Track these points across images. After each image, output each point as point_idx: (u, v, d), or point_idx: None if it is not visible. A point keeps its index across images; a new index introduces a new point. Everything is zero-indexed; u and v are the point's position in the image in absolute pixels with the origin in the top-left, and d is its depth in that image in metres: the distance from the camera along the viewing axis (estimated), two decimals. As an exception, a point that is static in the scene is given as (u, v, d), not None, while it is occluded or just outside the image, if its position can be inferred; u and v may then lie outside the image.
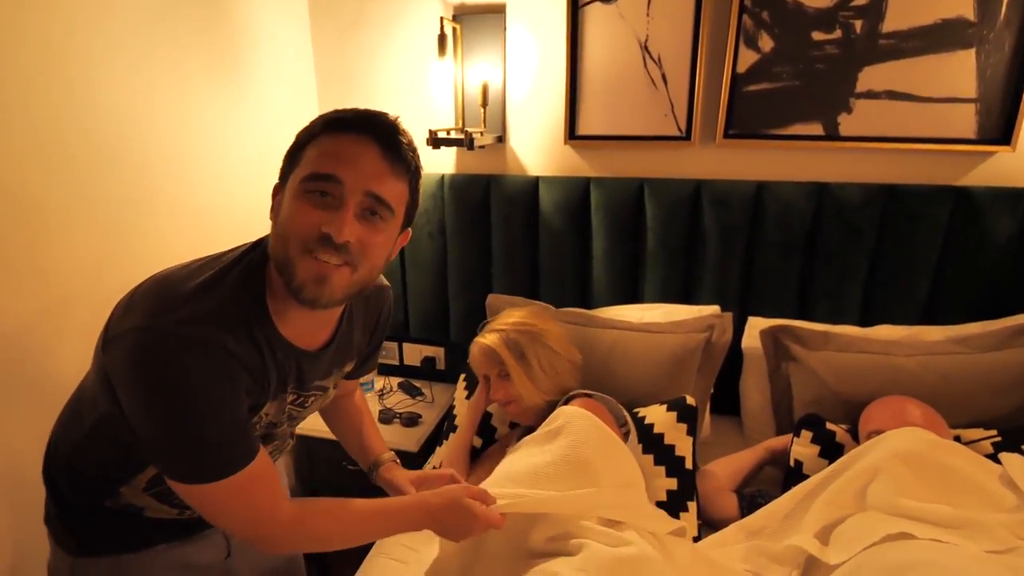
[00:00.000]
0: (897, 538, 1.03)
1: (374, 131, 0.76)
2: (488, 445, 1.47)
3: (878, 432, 1.25)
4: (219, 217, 1.59)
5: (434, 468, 1.49)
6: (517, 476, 1.00)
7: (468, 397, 1.55)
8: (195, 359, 0.70)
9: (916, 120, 1.53)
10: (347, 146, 0.75)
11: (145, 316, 0.71)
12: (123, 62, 1.30)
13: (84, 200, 1.25)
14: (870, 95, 1.54)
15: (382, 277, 1.03)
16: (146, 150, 1.38)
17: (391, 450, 1.14)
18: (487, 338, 1.35)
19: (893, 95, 1.52)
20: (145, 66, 1.35)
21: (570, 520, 0.89)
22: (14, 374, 1.15)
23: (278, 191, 0.80)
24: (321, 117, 0.79)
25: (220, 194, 1.60)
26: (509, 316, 1.40)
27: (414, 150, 0.81)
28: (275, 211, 0.79)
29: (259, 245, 0.83)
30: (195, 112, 1.50)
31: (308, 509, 0.82)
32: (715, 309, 1.65)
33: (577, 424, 1.08)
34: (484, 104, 1.66)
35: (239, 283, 0.78)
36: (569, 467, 0.97)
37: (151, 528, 0.89)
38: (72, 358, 1.21)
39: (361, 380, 1.17)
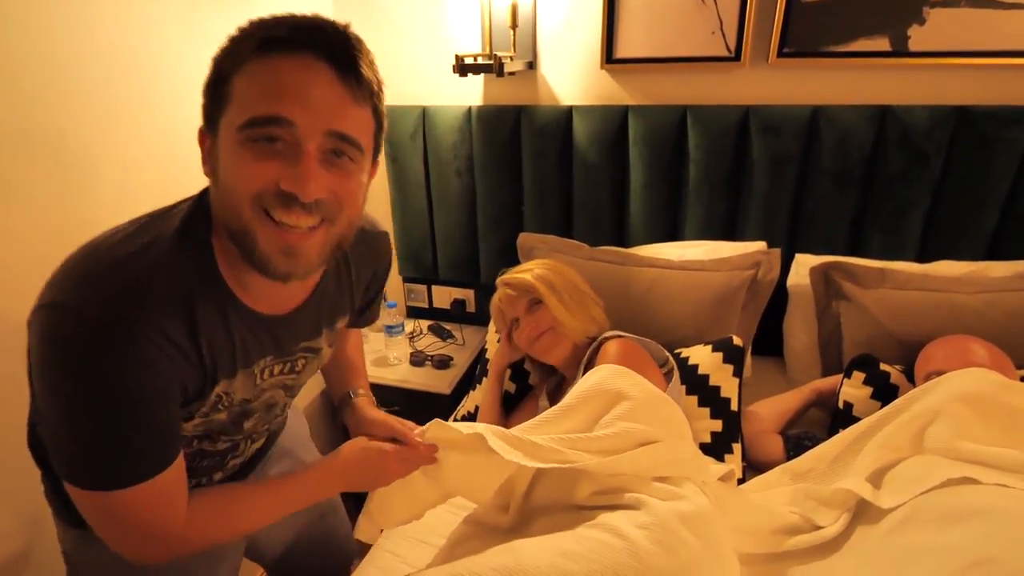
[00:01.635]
0: (959, 483, 0.98)
1: (322, 48, 0.58)
2: (522, 391, 1.44)
3: (939, 373, 1.18)
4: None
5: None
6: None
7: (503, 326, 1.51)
8: (114, 345, 0.57)
9: (1000, 31, 1.36)
10: (291, 73, 0.57)
11: (61, 291, 0.59)
12: (136, 12, 1.22)
13: (92, 135, 1.19)
14: (948, 2, 1.37)
15: (378, 223, 0.92)
16: (151, 83, 1.30)
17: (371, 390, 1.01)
18: (513, 276, 1.30)
19: (975, 1, 1.35)
20: (156, 12, 1.27)
21: (617, 476, 0.86)
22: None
23: (205, 137, 0.63)
24: (246, 34, 0.59)
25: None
26: (533, 262, 1.35)
27: (373, 63, 0.64)
28: (208, 164, 0.64)
29: (203, 198, 0.68)
30: (203, 37, 1.40)
31: (195, 515, 0.69)
32: (761, 245, 1.56)
33: (625, 388, 1.00)
34: (514, 26, 1.53)
35: (178, 247, 0.63)
36: (622, 441, 0.91)
37: None
38: None
39: (386, 324, 1.10)
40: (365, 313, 1.00)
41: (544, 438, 0.85)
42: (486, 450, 0.80)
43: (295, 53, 0.58)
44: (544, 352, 1.26)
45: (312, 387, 1.90)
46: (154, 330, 0.60)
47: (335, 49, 0.59)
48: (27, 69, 1.06)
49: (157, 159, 1.33)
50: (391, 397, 1.76)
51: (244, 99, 0.58)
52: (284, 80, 0.57)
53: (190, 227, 0.65)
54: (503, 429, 0.86)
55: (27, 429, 0.80)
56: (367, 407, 0.94)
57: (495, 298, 1.35)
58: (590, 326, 1.26)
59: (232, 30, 0.61)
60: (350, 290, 0.88)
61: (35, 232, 1.09)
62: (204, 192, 0.69)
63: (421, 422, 0.89)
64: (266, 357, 0.75)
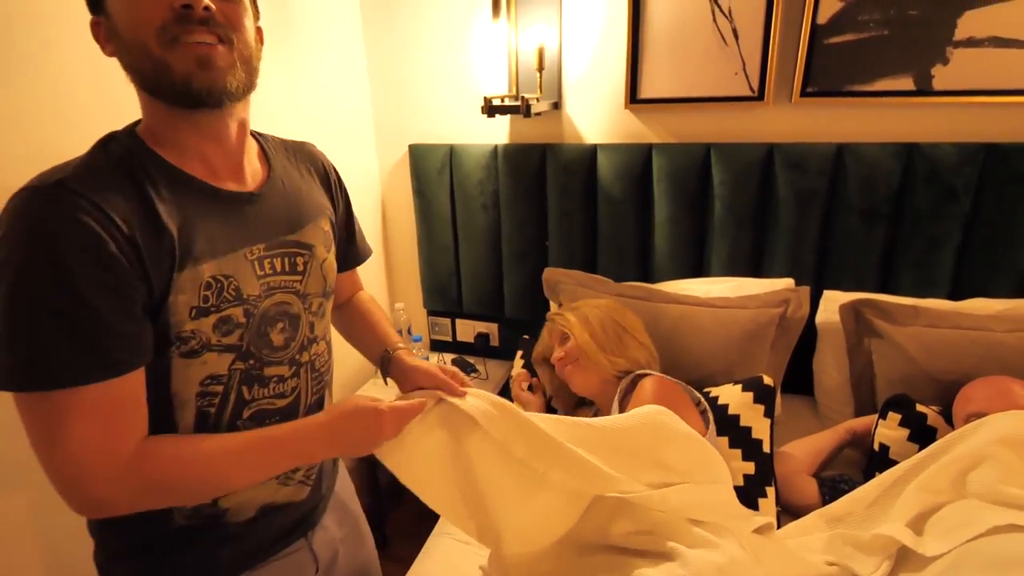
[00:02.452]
0: (1005, 530, 0.94)
1: None
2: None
3: (979, 415, 1.15)
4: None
5: None
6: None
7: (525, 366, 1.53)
8: (59, 214, 0.58)
9: (1023, 69, 1.37)
10: None
11: (9, 199, 0.61)
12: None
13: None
14: (971, 43, 1.38)
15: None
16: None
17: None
18: (558, 312, 1.36)
19: (998, 42, 1.36)
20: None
21: (653, 514, 0.84)
22: None
23: (98, 25, 0.68)
24: None
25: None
26: (589, 300, 1.42)
27: None
28: (110, 43, 0.67)
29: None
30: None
31: (151, 447, 0.65)
32: (789, 282, 1.55)
33: (661, 422, 1.01)
34: (540, 68, 1.57)
35: (113, 142, 0.68)
36: (657, 471, 0.91)
37: (215, 543, 0.77)
38: None
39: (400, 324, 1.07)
40: (352, 230, 0.99)
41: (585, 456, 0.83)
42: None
43: None
44: (568, 378, 1.30)
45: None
46: (96, 208, 0.60)
47: None
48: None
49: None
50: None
51: None
52: None
53: (113, 135, 0.70)
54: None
55: None
56: (407, 357, 0.93)
57: (545, 331, 1.43)
58: (622, 363, 1.27)
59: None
60: (313, 180, 0.89)
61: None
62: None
63: None
64: (253, 245, 0.75)
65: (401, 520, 1.98)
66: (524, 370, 1.55)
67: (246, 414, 0.75)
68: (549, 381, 1.43)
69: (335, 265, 0.89)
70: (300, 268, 0.81)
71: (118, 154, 0.67)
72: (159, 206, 0.66)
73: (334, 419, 0.75)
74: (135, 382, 0.64)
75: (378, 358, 0.97)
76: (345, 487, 1.03)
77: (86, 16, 0.69)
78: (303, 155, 0.91)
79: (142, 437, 0.65)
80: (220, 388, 0.72)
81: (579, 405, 1.41)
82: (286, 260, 0.79)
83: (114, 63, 0.68)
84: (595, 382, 1.26)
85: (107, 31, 0.67)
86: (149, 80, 0.66)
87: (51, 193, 0.60)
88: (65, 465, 0.61)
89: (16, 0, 1.00)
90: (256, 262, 0.75)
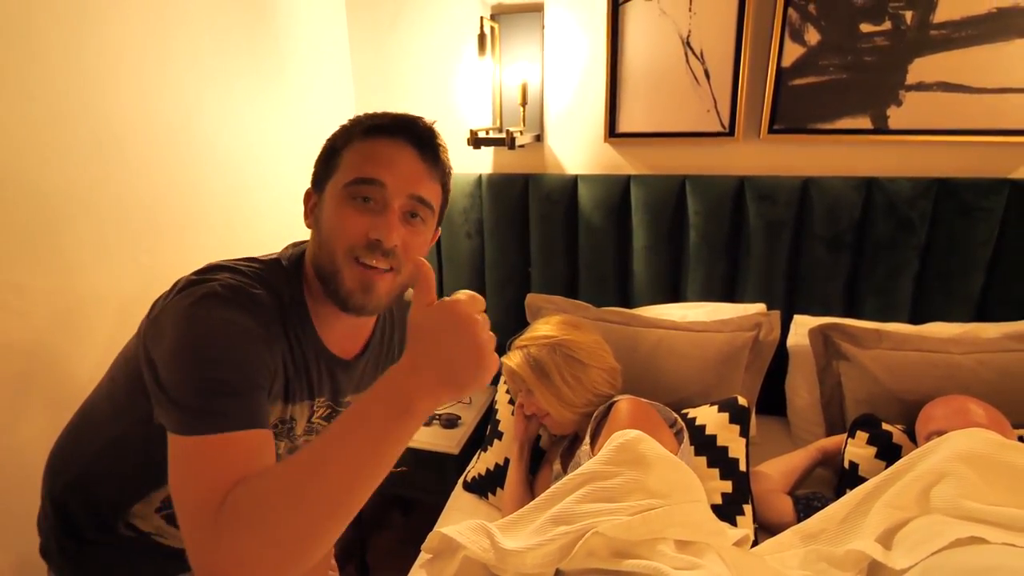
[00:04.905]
0: (968, 543, 1.00)
1: (412, 135, 0.77)
2: (535, 452, 1.45)
3: (939, 433, 1.22)
4: (261, 219, 1.60)
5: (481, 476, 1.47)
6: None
7: (511, 401, 1.54)
8: (239, 307, 0.68)
9: (969, 111, 1.49)
10: (387, 150, 0.76)
11: (191, 277, 0.71)
12: (174, 68, 1.32)
13: (129, 201, 1.26)
14: (921, 87, 1.50)
15: (410, 291, 1.00)
16: (189, 153, 1.39)
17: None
18: (510, 358, 1.33)
19: (946, 86, 1.48)
20: (193, 71, 1.37)
21: (636, 536, 0.88)
22: (32, 378, 1.11)
23: (311, 196, 0.81)
24: (357, 122, 0.79)
25: (260, 197, 1.61)
26: (536, 329, 1.36)
27: (446, 151, 0.83)
28: (311, 217, 0.80)
29: (299, 247, 0.83)
30: (238, 116, 1.51)
31: (245, 485, 0.56)
32: (761, 307, 1.63)
33: (640, 451, 1.05)
34: (523, 103, 1.65)
35: (283, 277, 0.78)
36: (638, 495, 0.95)
37: (167, 557, 0.83)
38: (90, 363, 1.15)
39: None
40: None
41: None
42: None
43: (392, 137, 0.77)
44: (550, 428, 1.34)
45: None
46: (268, 318, 0.71)
47: (421, 136, 0.78)
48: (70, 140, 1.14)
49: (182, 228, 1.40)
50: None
51: (350, 166, 0.76)
52: (381, 154, 0.76)
53: (290, 263, 0.81)
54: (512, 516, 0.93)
55: (45, 478, 0.86)
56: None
57: (503, 370, 1.37)
58: (588, 405, 1.27)
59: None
60: (390, 350, 0.96)
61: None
62: (298, 243, 0.85)
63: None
64: (324, 397, 0.84)
65: (382, 546, 1.96)
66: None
67: None
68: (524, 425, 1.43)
69: None
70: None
71: (282, 297, 0.77)
72: (294, 352, 0.77)
73: (418, 340, 0.59)
74: (267, 436, 0.66)
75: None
76: None
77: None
78: (401, 317, 0.97)
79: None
80: None
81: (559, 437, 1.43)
82: (331, 412, 0.89)
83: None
84: (571, 420, 1.29)
85: (314, 209, 0.79)
86: (323, 277, 0.76)
87: (231, 296, 0.69)
88: (198, 501, 0.57)
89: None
90: (316, 410, 0.86)
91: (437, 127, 0.80)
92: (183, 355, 0.65)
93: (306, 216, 0.81)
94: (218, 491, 0.55)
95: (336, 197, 0.75)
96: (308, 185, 0.82)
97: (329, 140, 0.80)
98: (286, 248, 0.84)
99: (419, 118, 0.80)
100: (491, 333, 0.62)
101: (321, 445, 0.56)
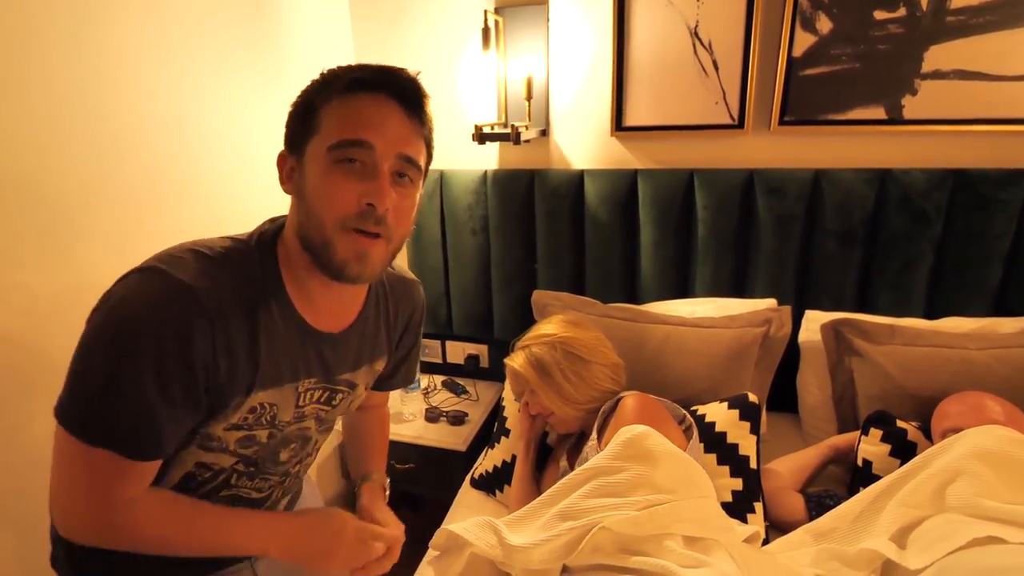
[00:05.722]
0: (985, 542, 0.98)
1: (397, 90, 0.71)
2: (542, 449, 1.45)
3: (955, 430, 1.19)
4: (263, 217, 1.59)
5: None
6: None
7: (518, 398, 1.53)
8: (169, 311, 0.64)
9: (987, 100, 1.45)
10: (371, 107, 0.70)
11: (145, 262, 0.68)
12: (174, 66, 1.32)
13: (131, 199, 1.26)
14: (937, 75, 1.46)
15: (409, 273, 0.98)
16: (190, 150, 1.38)
17: (388, 479, 1.04)
18: (513, 359, 1.33)
19: (962, 74, 1.44)
20: (193, 67, 1.36)
21: (644, 532, 0.87)
22: (38, 377, 1.10)
23: (286, 159, 0.75)
24: (334, 76, 0.72)
25: (262, 195, 1.60)
26: (538, 329, 1.35)
27: (429, 101, 0.76)
28: (290, 183, 0.74)
29: (276, 221, 0.79)
30: (238, 113, 1.50)
31: (139, 510, 0.70)
32: (771, 302, 1.60)
33: (647, 447, 1.04)
34: (529, 97, 1.63)
35: (255, 255, 0.73)
36: (645, 490, 0.94)
37: (165, 564, 0.80)
38: None
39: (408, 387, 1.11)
40: (402, 367, 1.03)
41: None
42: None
43: (375, 92, 0.71)
44: (552, 426, 1.33)
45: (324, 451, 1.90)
46: (215, 326, 0.66)
47: (407, 91, 0.72)
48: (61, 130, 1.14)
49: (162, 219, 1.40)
50: (406, 454, 1.76)
51: (333, 126, 0.70)
52: (366, 112, 0.70)
53: (262, 240, 0.76)
54: (518, 513, 0.91)
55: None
56: (366, 494, 0.96)
57: (507, 372, 1.38)
58: (593, 401, 1.26)
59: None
60: (388, 326, 0.92)
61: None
62: (273, 218, 0.80)
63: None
64: (311, 378, 0.80)
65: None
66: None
67: (223, 493, 0.81)
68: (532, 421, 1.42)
69: (364, 394, 0.94)
70: (336, 402, 0.87)
71: (251, 278, 0.72)
72: (261, 337, 0.72)
73: (301, 519, 0.80)
74: (155, 465, 0.70)
75: (357, 476, 1.02)
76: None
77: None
78: (400, 294, 0.94)
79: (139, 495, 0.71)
80: (215, 471, 0.78)
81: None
82: (327, 393, 0.85)
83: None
84: (575, 418, 1.29)
85: (292, 173, 0.74)
86: (311, 248, 0.72)
87: (174, 293, 0.65)
88: (71, 499, 0.69)
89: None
90: (303, 393, 0.80)
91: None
92: (96, 352, 0.64)
93: (282, 182, 0.75)
94: (99, 498, 0.67)
95: (319, 161, 0.69)
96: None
97: (302, 95, 0.73)
98: (262, 224, 0.79)
99: (401, 69, 0.73)
100: (364, 554, 0.82)
101: (212, 515, 0.75)
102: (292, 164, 0.74)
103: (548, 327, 1.34)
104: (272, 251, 0.75)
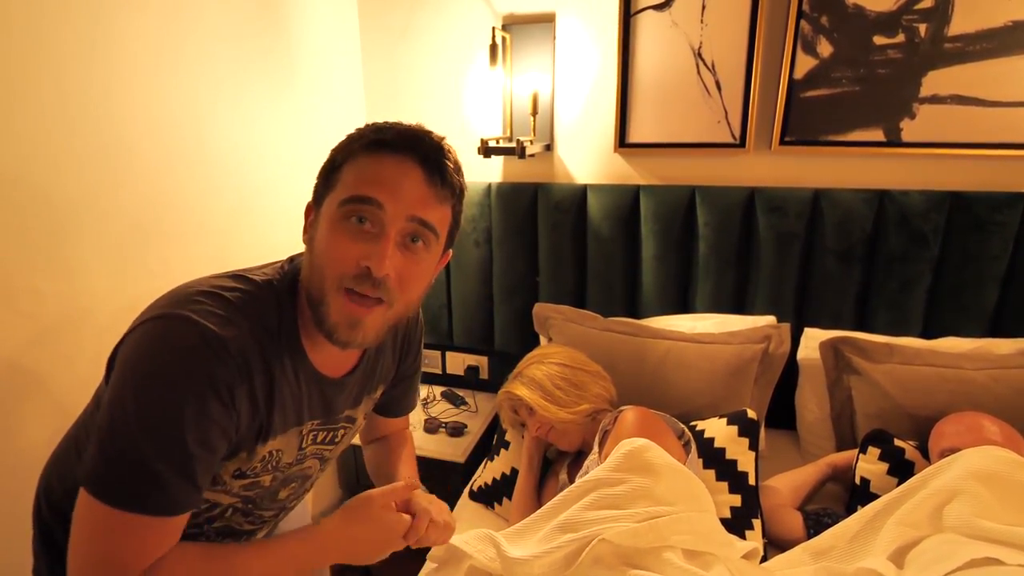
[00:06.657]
0: (983, 563, 0.98)
1: (418, 152, 0.70)
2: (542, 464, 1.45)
3: (952, 450, 1.20)
4: (270, 227, 1.61)
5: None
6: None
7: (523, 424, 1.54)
8: (203, 358, 0.63)
9: (984, 125, 1.48)
10: (389, 168, 0.69)
11: (164, 307, 0.66)
12: (185, 74, 1.33)
13: (138, 206, 1.27)
14: (935, 100, 1.49)
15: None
16: (199, 159, 1.40)
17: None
18: (506, 394, 1.38)
19: (960, 99, 1.47)
20: (204, 77, 1.38)
21: (643, 545, 0.87)
22: (41, 380, 1.11)
23: (311, 211, 0.75)
24: (360, 135, 0.73)
25: (270, 204, 1.62)
26: (519, 367, 1.42)
27: (460, 171, 0.75)
28: (308, 234, 0.74)
29: (292, 262, 0.78)
30: (248, 123, 1.52)
31: (165, 566, 0.65)
32: (771, 319, 1.61)
33: (646, 460, 1.05)
34: (534, 113, 1.65)
35: (273, 302, 0.72)
36: (645, 502, 0.95)
37: None
38: (99, 367, 1.14)
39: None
40: (408, 391, 1.04)
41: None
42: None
43: (396, 153, 0.70)
44: (555, 442, 1.34)
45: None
46: (243, 374, 0.66)
47: (428, 154, 0.71)
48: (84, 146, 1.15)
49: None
50: (405, 464, 1.76)
51: (349, 182, 0.70)
52: (383, 172, 0.69)
53: (282, 287, 0.74)
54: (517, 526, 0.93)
55: (35, 502, 0.83)
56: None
57: (501, 406, 1.42)
58: (589, 407, 1.30)
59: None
60: (395, 350, 0.92)
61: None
62: (291, 258, 0.79)
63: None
64: (314, 420, 0.79)
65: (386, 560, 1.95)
66: None
67: (216, 524, 0.80)
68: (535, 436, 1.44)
69: (363, 423, 0.94)
70: (337, 439, 0.87)
71: (269, 329, 0.71)
72: (275, 387, 0.71)
73: (347, 519, 0.76)
74: (182, 521, 0.67)
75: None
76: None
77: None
78: (404, 327, 0.94)
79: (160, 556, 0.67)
80: (211, 505, 0.77)
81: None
82: (329, 434, 0.84)
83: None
84: (577, 434, 1.31)
85: (311, 223, 0.73)
86: (311, 304, 0.71)
87: (209, 341, 0.64)
88: (87, 561, 0.63)
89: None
90: (306, 435, 0.80)
91: (449, 141, 0.74)
92: (126, 422, 0.62)
93: (304, 232, 0.75)
94: (118, 566, 0.62)
95: (330, 217, 0.69)
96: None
97: (332, 152, 0.74)
98: (286, 260, 0.79)
99: (428, 133, 0.73)
100: (403, 517, 0.78)
101: (236, 556, 0.69)
102: (312, 217, 0.74)
103: (528, 362, 1.40)
104: (290, 300, 0.74)
